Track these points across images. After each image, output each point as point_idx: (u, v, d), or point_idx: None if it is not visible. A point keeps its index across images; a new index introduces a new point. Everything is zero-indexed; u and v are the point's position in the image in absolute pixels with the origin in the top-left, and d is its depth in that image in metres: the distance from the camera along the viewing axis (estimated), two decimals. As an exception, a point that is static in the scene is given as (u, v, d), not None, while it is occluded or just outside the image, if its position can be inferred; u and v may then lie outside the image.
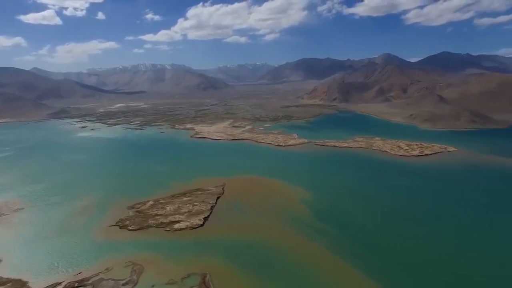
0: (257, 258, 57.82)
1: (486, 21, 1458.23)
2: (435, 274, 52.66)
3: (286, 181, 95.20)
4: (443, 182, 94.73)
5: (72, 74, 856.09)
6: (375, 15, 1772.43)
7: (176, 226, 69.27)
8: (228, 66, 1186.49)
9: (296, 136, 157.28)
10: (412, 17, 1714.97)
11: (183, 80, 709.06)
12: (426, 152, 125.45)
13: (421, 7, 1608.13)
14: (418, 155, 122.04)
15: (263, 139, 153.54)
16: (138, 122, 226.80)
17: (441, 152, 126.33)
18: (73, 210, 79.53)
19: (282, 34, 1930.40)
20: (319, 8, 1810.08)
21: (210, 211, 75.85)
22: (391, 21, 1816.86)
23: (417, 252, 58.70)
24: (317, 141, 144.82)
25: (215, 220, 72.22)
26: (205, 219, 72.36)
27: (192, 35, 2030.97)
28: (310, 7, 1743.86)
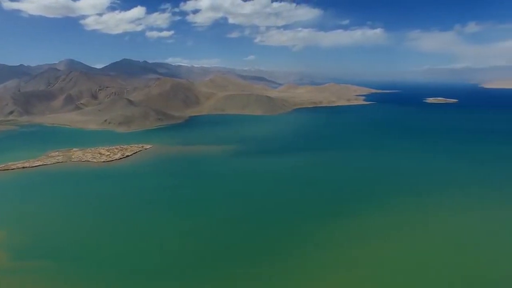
0: None
1: (155, 34, 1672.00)
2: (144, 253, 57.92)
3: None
4: (145, 177, 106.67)
5: None
6: (50, 16, 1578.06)
7: None
8: None
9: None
10: (92, 23, 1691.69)
11: None
12: (127, 153, 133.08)
13: (100, 14, 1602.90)
14: (121, 158, 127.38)
15: None
16: None
17: (139, 151, 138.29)
18: None
19: None
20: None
21: None
22: (70, 25, 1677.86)
23: (136, 243, 62.98)
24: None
25: None
26: None
27: None
28: None
